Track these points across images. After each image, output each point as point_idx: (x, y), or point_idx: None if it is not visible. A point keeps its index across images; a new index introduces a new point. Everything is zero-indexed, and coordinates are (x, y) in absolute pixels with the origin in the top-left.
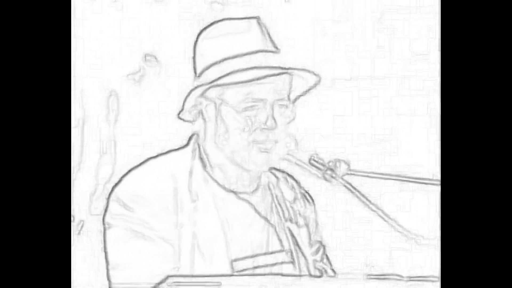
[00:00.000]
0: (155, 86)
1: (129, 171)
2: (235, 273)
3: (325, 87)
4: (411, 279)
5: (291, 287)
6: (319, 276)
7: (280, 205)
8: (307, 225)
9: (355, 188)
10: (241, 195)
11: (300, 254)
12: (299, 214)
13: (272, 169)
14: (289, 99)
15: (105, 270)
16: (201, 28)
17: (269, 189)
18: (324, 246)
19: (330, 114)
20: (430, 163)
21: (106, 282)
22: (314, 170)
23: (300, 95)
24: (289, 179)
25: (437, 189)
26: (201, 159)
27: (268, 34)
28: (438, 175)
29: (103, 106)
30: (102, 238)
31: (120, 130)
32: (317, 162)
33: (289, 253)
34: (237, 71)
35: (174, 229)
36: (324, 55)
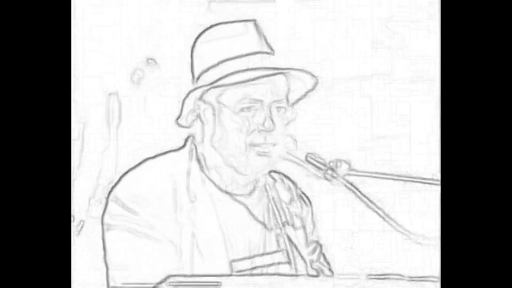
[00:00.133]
0: (155, 87)
1: (127, 171)
2: (234, 273)
3: (325, 87)
4: (411, 279)
5: (295, 287)
6: (316, 276)
7: (276, 206)
8: (303, 226)
9: (356, 188)
10: (237, 197)
11: (296, 254)
12: (296, 215)
13: (270, 170)
14: (287, 101)
15: (105, 270)
16: (199, 32)
17: (266, 190)
18: (321, 246)
19: (330, 114)
20: (430, 163)
21: (106, 282)
22: (314, 169)
23: (299, 99)
24: (285, 180)
25: (437, 189)
26: (198, 160)
27: (265, 36)
28: (438, 175)
29: (103, 107)
30: (101, 238)
31: (120, 130)
32: (315, 160)
33: (285, 254)
34: (233, 72)
35: (176, 228)
36: (324, 55)
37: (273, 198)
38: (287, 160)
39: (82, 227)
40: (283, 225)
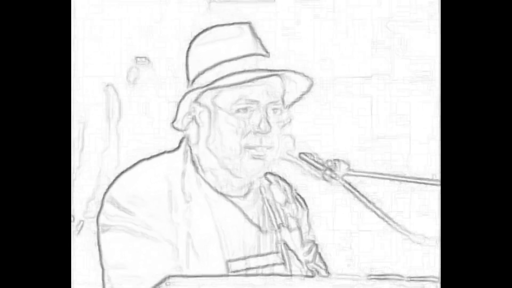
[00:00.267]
0: (154, 87)
1: (122, 172)
2: (231, 273)
3: (325, 87)
4: (411, 279)
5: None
6: (311, 276)
7: (271, 208)
8: (299, 228)
9: (355, 188)
10: (233, 199)
11: (291, 255)
12: (291, 216)
13: (266, 172)
14: (283, 103)
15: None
16: (195, 34)
17: (261, 192)
18: (316, 245)
19: (330, 114)
20: (430, 163)
21: (104, 283)
22: (313, 170)
23: (295, 101)
24: (281, 182)
25: (437, 189)
26: (192, 161)
27: (260, 38)
28: (438, 175)
29: (103, 106)
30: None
31: (121, 130)
32: (313, 160)
33: (280, 255)
34: (229, 74)
35: (172, 228)
36: (324, 55)
37: (268, 200)
38: (286, 160)
39: (82, 227)
40: (278, 227)
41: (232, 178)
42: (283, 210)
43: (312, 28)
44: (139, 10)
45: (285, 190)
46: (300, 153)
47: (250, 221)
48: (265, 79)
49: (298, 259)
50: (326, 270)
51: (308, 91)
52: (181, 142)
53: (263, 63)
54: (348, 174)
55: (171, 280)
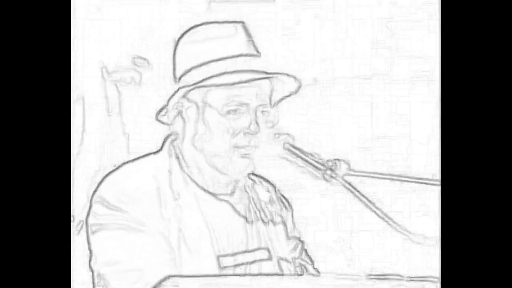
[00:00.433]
0: (154, 86)
1: (108, 174)
2: (222, 268)
3: (325, 87)
4: (411, 279)
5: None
6: (300, 275)
7: (256, 206)
8: (284, 223)
9: (355, 188)
10: (219, 196)
11: (278, 250)
12: (276, 214)
13: (250, 173)
14: (270, 104)
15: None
16: (182, 32)
17: (246, 191)
18: (302, 242)
19: (330, 114)
20: (430, 163)
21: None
22: (312, 168)
23: (282, 99)
24: (264, 183)
25: (437, 189)
26: (178, 160)
27: (252, 39)
28: (438, 175)
29: (103, 106)
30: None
31: (121, 130)
32: (313, 160)
33: (266, 251)
34: (224, 73)
35: (163, 224)
36: (324, 55)
37: (253, 199)
38: (286, 160)
39: (82, 227)
40: (264, 221)
41: (219, 175)
42: (267, 208)
43: (312, 28)
44: (139, 10)
45: (268, 190)
46: (285, 143)
47: (238, 213)
48: (258, 81)
49: (284, 258)
50: (313, 266)
51: (296, 91)
52: (164, 142)
53: (254, 63)
54: (348, 174)
55: (170, 280)
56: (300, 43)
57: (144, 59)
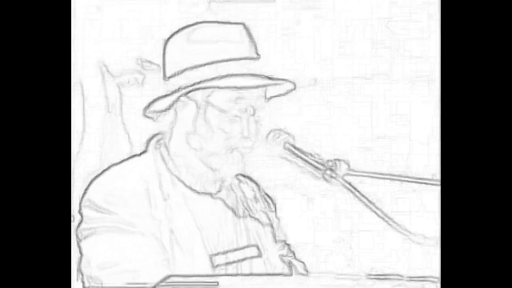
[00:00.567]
0: (154, 86)
1: (94, 178)
2: (216, 267)
3: (325, 87)
4: (411, 279)
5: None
6: (290, 275)
7: (243, 205)
8: (270, 225)
9: (355, 188)
10: (207, 194)
11: (266, 247)
12: (262, 211)
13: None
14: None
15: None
16: (177, 29)
17: (232, 189)
18: (288, 245)
19: (330, 114)
20: (430, 163)
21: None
22: (312, 168)
23: (274, 96)
24: (249, 182)
25: (437, 189)
26: (164, 160)
27: (254, 41)
28: (438, 175)
29: (103, 106)
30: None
31: (121, 130)
32: (313, 160)
33: (256, 248)
34: (236, 75)
35: (155, 224)
36: (324, 55)
37: (239, 197)
38: (285, 157)
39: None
40: (251, 217)
41: (210, 173)
42: (253, 205)
43: (312, 28)
44: (139, 10)
45: (253, 189)
46: (285, 143)
47: (227, 209)
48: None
49: (273, 255)
50: (305, 269)
51: (287, 93)
52: (148, 143)
53: (255, 64)
54: (348, 174)
55: (170, 280)
56: (300, 43)
57: (152, 62)
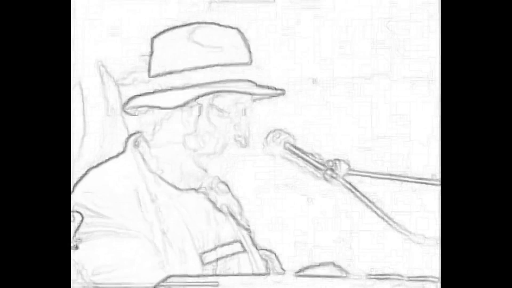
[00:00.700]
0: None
1: (76, 183)
2: (205, 265)
3: (325, 87)
4: (411, 279)
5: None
6: (268, 274)
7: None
8: (230, 213)
9: (355, 188)
10: (190, 191)
11: (249, 243)
12: (229, 206)
13: None
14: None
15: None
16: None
17: (211, 187)
18: (249, 231)
19: (330, 114)
20: (430, 163)
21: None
22: (314, 163)
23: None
24: (221, 186)
25: (437, 189)
26: (144, 159)
27: (249, 45)
28: (438, 175)
29: (103, 107)
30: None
31: (121, 131)
32: (314, 160)
33: (239, 243)
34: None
35: (148, 226)
36: (324, 55)
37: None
38: (285, 157)
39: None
40: (230, 214)
41: (198, 171)
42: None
43: (312, 28)
44: (139, 10)
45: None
46: (285, 143)
47: (210, 200)
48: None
49: (254, 245)
50: (282, 268)
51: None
52: (126, 142)
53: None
54: (348, 174)
55: (170, 280)
56: (300, 43)
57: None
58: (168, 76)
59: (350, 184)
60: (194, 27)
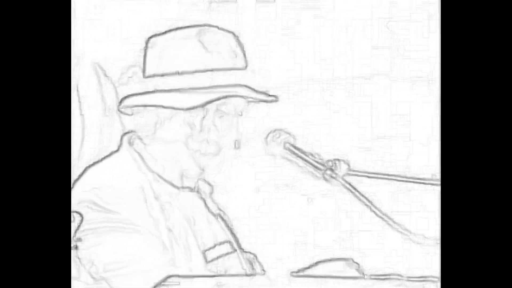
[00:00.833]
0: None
1: (75, 181)
2: (208, 263)
3: (325, 87)
4: (411, 279)
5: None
6: (253, 275)
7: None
8: (220, 215)
9: (355, 188)
10: (185, 189)
11: (234, 241)
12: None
13: None
14: None
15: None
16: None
17: (198, 190)
18: (224, 220)
19: (330, 114)
20: (430, 163)
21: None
22: (314, 163)
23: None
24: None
25: (437, 189)
26: (141, 157)
27: (244, 49)
28: (438, 175)
29: (103, 107)
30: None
31: (119, 131)
32: (314, 160)
33: (228, 243)
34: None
35: (154, 224)
36: (324, 55)
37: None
38: (285, 157)
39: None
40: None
41: (197, 170)
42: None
43: (312, 28)
44: (139, 10)
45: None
46: (285, 143)
47: (207, 206)
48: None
49: (239, 247)
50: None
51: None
52: (121, 141)
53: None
54: (348, 174)
55: (170, 280)
56: (300, 43)
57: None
58: (164, 77)
59: (350, 184)
60: (194, 30)
